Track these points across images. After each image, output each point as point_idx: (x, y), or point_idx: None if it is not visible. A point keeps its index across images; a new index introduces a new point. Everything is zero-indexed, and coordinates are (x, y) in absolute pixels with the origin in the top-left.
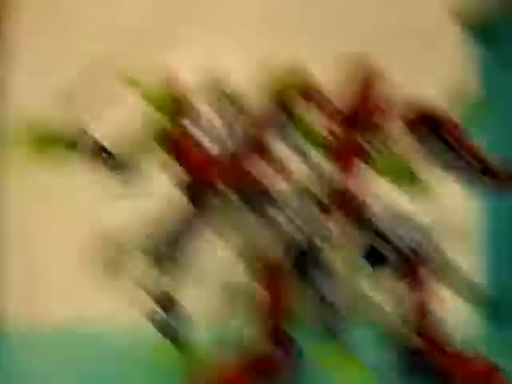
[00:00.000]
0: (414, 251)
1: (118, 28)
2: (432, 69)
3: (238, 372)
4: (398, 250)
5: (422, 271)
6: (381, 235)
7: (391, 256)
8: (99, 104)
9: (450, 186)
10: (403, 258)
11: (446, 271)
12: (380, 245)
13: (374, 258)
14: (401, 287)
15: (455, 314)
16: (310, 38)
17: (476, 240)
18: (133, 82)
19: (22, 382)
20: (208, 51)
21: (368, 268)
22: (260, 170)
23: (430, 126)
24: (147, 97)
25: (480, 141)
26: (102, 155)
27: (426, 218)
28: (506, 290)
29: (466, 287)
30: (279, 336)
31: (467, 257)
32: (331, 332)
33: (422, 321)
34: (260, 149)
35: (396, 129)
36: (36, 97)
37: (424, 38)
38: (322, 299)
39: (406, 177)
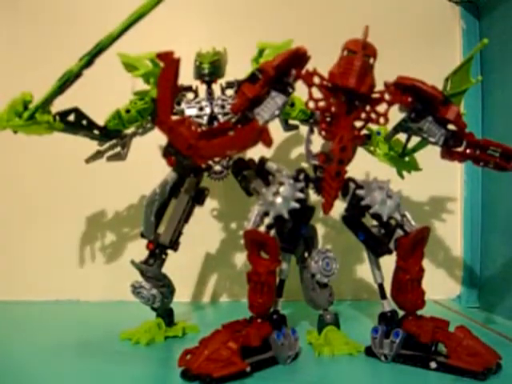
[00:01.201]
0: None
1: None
2: (429, 60)
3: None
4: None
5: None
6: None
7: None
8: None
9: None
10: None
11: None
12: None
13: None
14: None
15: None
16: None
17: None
18: (129, 64)
19: None
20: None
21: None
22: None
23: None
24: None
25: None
26: (94, 131)
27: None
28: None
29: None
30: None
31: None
32: (320, 308)
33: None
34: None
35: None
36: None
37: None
38: (311, 276)
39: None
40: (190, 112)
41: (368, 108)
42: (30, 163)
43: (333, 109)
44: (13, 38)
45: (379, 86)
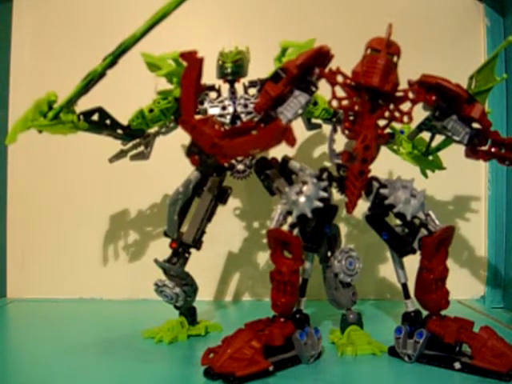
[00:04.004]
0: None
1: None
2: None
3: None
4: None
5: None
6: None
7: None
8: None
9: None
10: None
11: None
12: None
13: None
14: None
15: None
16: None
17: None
18: (153, 64)
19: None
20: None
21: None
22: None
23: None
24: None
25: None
26: (118, 131)
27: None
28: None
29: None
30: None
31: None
32: (343, 307)
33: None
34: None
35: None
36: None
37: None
38: (334, 275)
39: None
40: (213, 111)
41: (392, 107)
42: (54, 163)
43: (356, 107)
44: (38, 38)
45: (403, 85)
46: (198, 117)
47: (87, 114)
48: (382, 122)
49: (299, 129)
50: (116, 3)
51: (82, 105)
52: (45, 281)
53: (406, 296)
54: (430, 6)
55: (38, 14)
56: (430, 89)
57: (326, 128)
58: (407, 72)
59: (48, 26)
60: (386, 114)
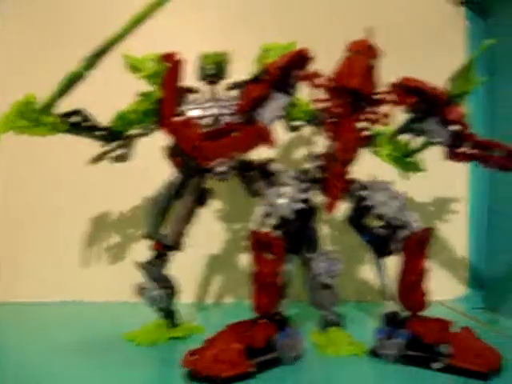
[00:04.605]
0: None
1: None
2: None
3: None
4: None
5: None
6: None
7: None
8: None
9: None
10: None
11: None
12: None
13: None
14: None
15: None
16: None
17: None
18: (134, 65)
19: None
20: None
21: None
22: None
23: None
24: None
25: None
26: (98, 132)
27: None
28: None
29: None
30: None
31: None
32: (324, 308)
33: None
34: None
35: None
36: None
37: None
38: (315, 277)
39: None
40: (194, 113)
41: (372, 109)
42: (34, 164)
43: (337, 110)
44: (16, 39)
45: (383, 87)
46: (179, 119)
47: (67, 116)
48: (362, 124)
49: (280, 130)
50: (96, 4)
51: (62, 106)
52: (25, 284)
53: (387, 297)
54: (411, 9)
55: (18, 14)
56: (410, 91)
57: (307, 130)
58: (388, 74)
59: (27, 27)
60: (367, 115)
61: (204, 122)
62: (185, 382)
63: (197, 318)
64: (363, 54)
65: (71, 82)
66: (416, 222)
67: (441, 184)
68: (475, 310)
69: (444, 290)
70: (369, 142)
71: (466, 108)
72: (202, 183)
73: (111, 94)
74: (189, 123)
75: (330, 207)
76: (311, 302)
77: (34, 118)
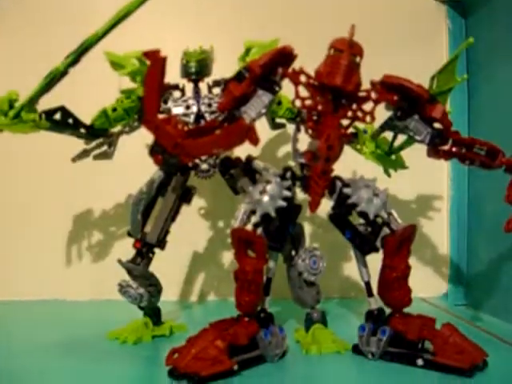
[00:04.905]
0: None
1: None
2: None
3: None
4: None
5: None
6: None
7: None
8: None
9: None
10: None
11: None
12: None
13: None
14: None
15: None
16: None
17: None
18: (116, 62)
19: None
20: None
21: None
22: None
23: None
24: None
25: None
26: (81, 130)
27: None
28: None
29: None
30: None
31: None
32: (308, 306)
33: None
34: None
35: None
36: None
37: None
38: (298, 274)
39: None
40: (177, 110)
41: (354, 106)
42: (15, 161)
43: (319, 107)
44: None
45: (366, 85)
46: (161, 116)
47: (49, 113)
48: (345, 122)
49: (263, 128)
50: (79, 1)
51: (44, 104)
52: (6, 282)
53: (370, 294)
54: (393, 7)
55: None
56: (392, 89)
57: (290, 127)
58: (370, 72)
59: (8, 24)
60: (349, 113)
61: (186, 119)
62: (169, 381)
63: (180, 316)
64: (346, 52)
65: (54, 78)
66: (398, 220)
67: (422, 181)
68: (457, 306)
69: (426, 286)
70: (352, 139)
71: (448, 106)
72: (185, 181)
73: (94, 91)
74: (171, 121)
75: (312, 205)
76: (295, 299)
77: (16, 115)
